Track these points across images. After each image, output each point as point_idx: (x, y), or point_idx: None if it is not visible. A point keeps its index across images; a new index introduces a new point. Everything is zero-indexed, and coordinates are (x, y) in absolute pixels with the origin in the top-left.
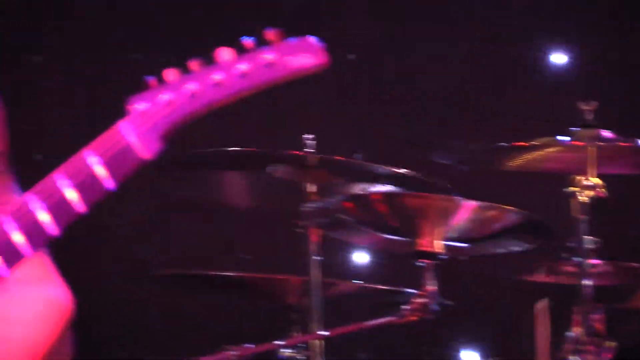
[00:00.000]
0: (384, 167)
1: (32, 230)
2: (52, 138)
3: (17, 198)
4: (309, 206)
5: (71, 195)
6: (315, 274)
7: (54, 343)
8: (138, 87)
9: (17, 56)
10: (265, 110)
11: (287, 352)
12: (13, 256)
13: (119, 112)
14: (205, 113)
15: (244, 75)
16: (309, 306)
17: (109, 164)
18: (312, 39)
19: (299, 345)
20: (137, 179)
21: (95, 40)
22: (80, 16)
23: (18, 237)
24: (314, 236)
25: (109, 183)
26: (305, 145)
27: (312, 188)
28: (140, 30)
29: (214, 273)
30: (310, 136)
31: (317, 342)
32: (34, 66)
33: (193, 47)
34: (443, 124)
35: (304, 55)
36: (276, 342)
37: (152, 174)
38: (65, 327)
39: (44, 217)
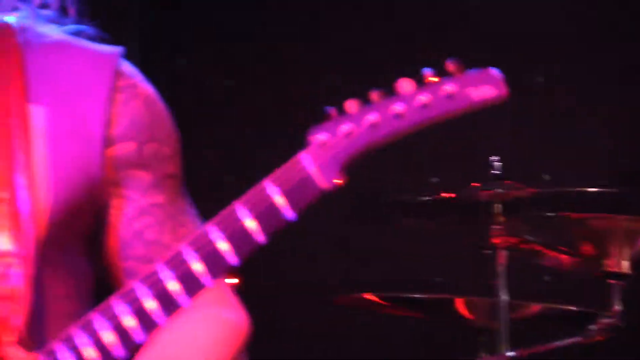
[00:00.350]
0: (572, 188)
1: (212, 259)
2: (237, 161)
3: (196, 227)
4: (496, 227)
5: (251, 225)
6: (502, 295)
7: None
8: (319, 117)
9: (204, 80)
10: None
11: None
12: (193, 285)
13: (302, 142)
14: (385, 143)
15: (424, 106)
16: (497, 327)
17: (289, 195)
18: (493, 71)
19: None
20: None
21: (284, 66)
22: (273, 41)
23: (198, 267)
24: (501, 257)
25: (289, 213)
26: (492, 167)
27: (498, 209)
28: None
29: (403, 295)
30: (496, 158)
31: None
32: (224, 89)
33: (373, 77)
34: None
35: (484, 87)
36: None
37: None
38: (241, 349)
39: (224, 246)
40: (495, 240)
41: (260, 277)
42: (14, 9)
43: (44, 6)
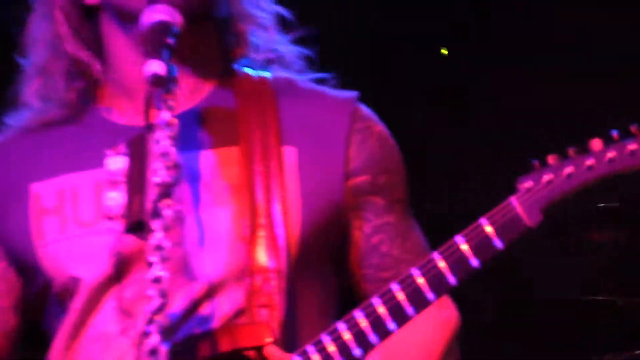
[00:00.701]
0: None
1: (436, 280)
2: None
3: (420, 241)
4: None
5: (467, 251)
6: None
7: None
8: (525, 168)
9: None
10: None
11: None
12: (420, 301)
13: (511, 189)
14: (578, 190)
15: (611, 160)
16: None
17: (500, 229)
18: None
19: None
20: None
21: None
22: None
23: (424, 285)
24: None
25: (499, 244)
26: None
27: None
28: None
29: None
30: None
31: None
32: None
33: (567, 138)
34: None
35: None
36: None
37: None
38: (452, 340)
39: (444, 268)
40: None
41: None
42: (268, 64)
43: (290, 60)
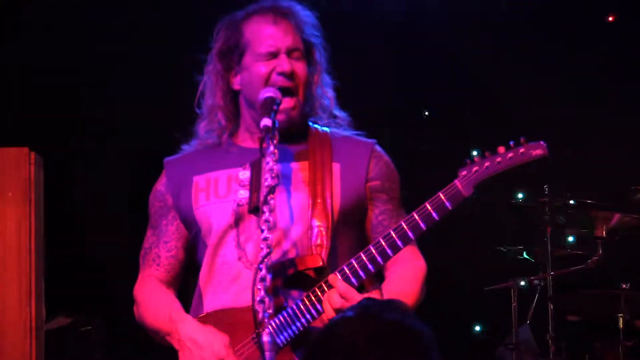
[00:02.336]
0: None
1: (414, 226)
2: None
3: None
4: None
5: (432, 210)
6: None
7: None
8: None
9: None
10: None
11: None
12: (394, 247)
13: (454, 175)
14: (492, 176)
15: (510, 158)
16: None
17: (449, 197)
18: (542, 142)
19: None
20: None
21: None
22: None
23: (406, 228)
24: None
25: (449, 206)
26: None
27: None
28: None
29: None
30: None
31: None
32: None
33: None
34: None
35: (537, 149)
36: None
37: None
38: (424, 281)
39: (418, 220)
40: None
41: None
42: (328, 121)
43: (340, 120)
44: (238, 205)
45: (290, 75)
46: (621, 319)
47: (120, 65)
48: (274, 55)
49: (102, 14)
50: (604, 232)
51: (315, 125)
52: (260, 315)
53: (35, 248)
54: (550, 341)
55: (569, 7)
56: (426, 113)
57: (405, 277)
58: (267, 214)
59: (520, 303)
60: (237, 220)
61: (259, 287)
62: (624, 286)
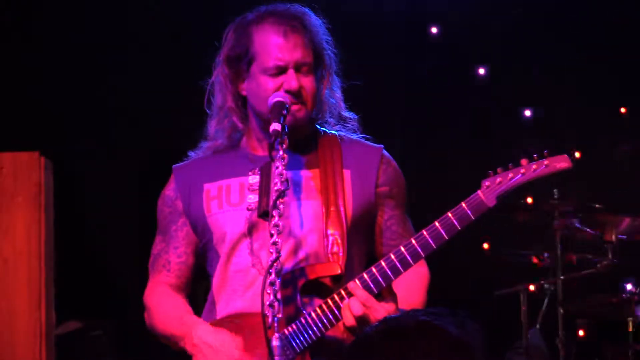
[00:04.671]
0: None
1: (424, 244)
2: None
3: (410, 226)
4: None
5: (454, 221)
6: None
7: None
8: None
9: None
10: None
11: None
12: (405, 264)
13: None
14: (518, 188)
15: (534, 170)
16: None
17: (472, 208)
18: (565, 155)
19: None
20: None
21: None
22: None
23: (417, 245)
24: None
25: (472, 216)
26: None
27: None
28: None
29: None
30: None
31: None
32: None
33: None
34: None
35: (562, 162)
36: None
37: None
38: (427, 286)
39: (428, 236)
40: None
41: None
42: (336, 124)
43: (349, 123)
44: (247, 209)
45: (298, 93)
46: (631, 323)
47: (131, 68)
48: (282, 70)
49: (112, 17)
50: (613, 237)
51: (324, 129)
52: (269, 319)
53: (46, 252)
54: (559, 345)
55: None
56: None
57: (410, 285)
58: (276, 218)
59: (530, 307)
60: (251, 229)
61: (269, 291)
62: (633, 290)
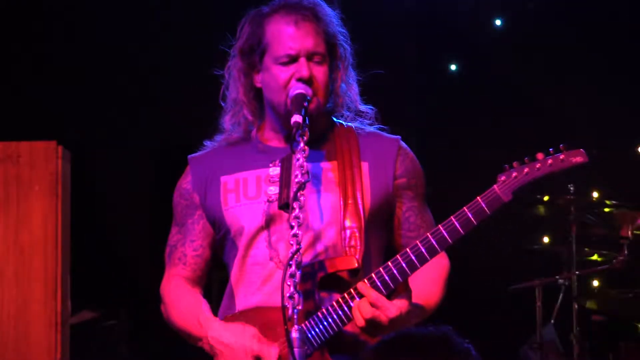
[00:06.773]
0: None
1: (441, 239)
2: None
3: (430, 217)
4: None
5: (471, 216)
6: None
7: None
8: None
9: None
10: None
11: None
12: (423, 258)
13: (493, 180)
14: (533, 183)
15: (550, 165)
16: None
17: (488, 203)
18: (581, 149)
19: None
20: None
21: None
22: None
23: (434, 241)
24: None
25: (488, 211)
26: None
27: None
28: None
29: None
30: None
31: None
32: None
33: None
34: None
35: (578, 156)
36: None
37: None
38: (447, 276)
39: (446, 231)
40: None
41: None
42: (353, 117)
43: (365, 115)
44: (268, 201)
45: (309, 81)
46: None
47: (147, 60)
48: (293, 59)
49: (129, 14)
50: (629, 232)
51: (340, 122)
52: (289, 311)
53: (62, 242)
54: (574, 341)
55: None
56: None
57: (428, 277)
58: (297, 210)
59: (545, 302)
60: (268, 222)
61: (289, 283)
62: None
